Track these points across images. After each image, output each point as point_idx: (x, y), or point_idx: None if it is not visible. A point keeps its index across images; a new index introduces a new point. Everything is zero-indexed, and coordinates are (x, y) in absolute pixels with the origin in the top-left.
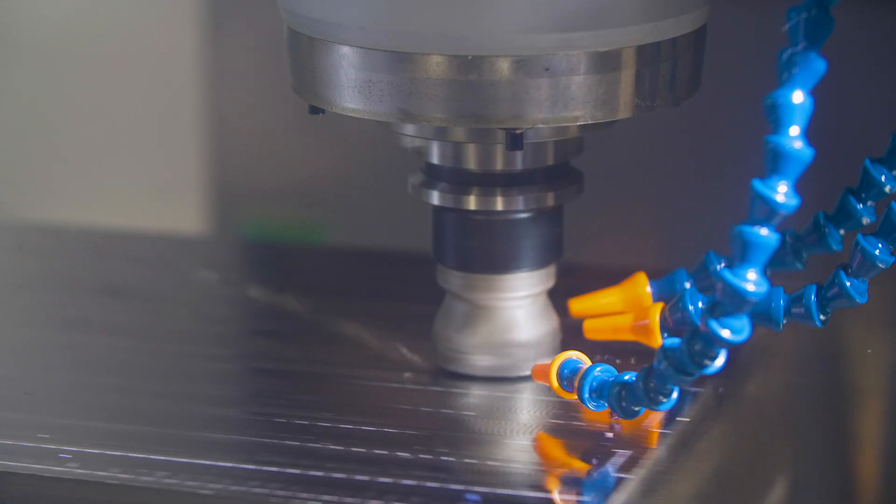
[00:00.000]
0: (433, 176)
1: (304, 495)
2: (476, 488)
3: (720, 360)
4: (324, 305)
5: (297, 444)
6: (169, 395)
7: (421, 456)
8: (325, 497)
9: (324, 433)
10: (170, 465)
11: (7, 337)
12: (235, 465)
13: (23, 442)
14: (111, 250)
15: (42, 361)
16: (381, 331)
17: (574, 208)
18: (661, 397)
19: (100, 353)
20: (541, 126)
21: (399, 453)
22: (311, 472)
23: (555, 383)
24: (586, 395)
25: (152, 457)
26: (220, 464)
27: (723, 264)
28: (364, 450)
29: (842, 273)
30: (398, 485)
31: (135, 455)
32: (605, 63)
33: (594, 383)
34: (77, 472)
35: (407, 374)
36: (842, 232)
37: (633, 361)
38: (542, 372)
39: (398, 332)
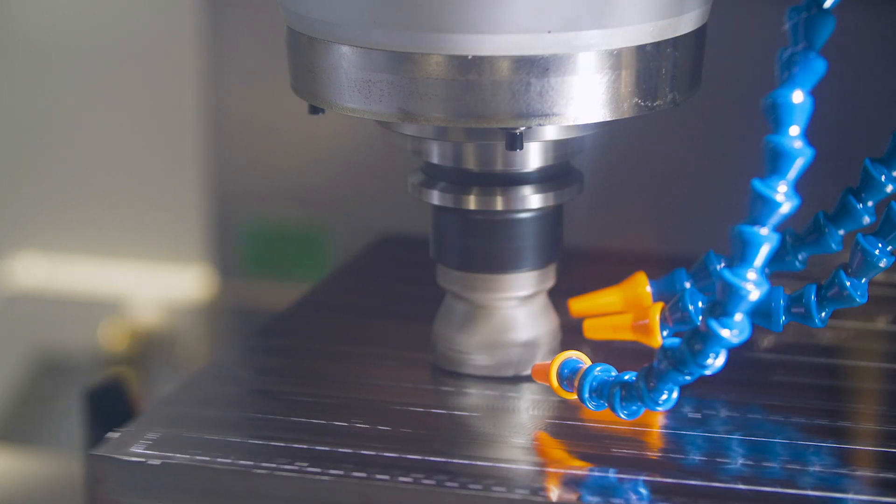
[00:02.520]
0: (433, 176)
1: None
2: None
3: (720, 360)
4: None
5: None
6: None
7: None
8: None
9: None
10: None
11: None
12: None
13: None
14: None
15: None
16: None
17: (574, 208)
18: (661, 397)
19: None
20: (540, 126)
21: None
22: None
23: (555, 383)
24: (586, 395)
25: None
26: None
27: (723, 264)
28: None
29: (842, 273)
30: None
31: None
32: (605, 63)
33: (594, 383)
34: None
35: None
36: (842, 232)
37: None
38: (542, 372)
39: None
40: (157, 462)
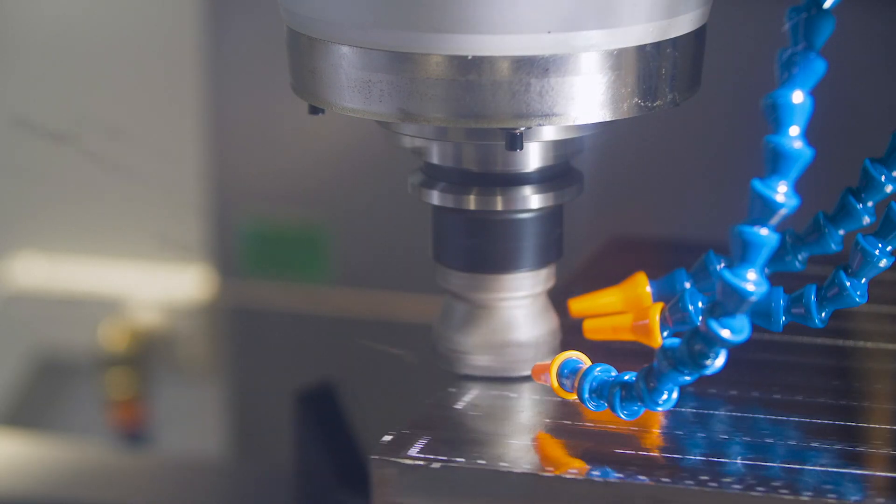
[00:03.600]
0: (433, 176)
1: None
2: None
3: (720, 360)
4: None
5: None
6: None
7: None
8: None
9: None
10: None
11: None
12: None
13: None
14: None
15: None
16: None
17: (574, 208)
18: (661, 397)
19: None
20: (540, 126)
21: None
22: None
23: (555, 383)
24: (586, 395)
25: None
26: None
27: (723, 264)
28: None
29: (842, 273)
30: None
31: None
32: (606, 63)
33: (594, 383)
34: None
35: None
36: (842, 232)
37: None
38: (542, 372)
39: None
40: (437, 466)
